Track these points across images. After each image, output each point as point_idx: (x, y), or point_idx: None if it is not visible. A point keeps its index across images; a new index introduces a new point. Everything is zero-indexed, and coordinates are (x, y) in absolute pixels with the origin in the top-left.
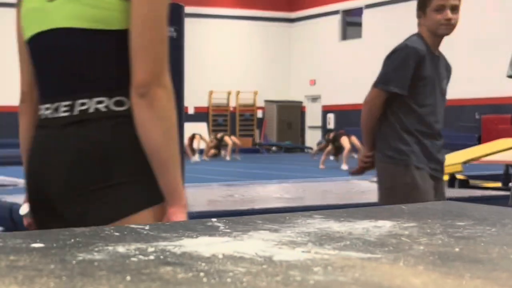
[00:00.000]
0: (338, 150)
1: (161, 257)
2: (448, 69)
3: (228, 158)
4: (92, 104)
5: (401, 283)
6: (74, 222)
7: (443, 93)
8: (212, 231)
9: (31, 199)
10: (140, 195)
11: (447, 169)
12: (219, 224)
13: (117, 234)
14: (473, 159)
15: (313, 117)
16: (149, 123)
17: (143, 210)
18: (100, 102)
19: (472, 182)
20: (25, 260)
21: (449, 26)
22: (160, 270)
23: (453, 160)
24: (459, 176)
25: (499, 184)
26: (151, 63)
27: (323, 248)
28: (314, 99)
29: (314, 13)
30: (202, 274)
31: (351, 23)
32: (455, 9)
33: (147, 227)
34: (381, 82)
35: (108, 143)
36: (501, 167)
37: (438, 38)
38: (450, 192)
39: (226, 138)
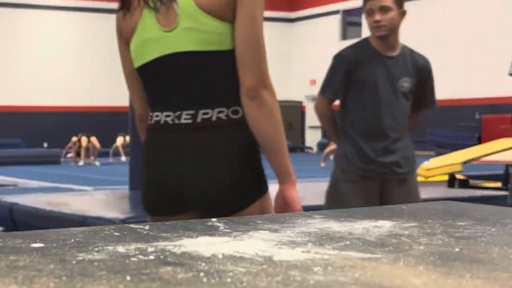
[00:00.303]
0: None
1: (161, 257)
2: (416, 65)
3: None
4: (214, 114)
5: (401, 283)
6: (204, 216)
7: (401, 91)
8: (212, 231)
9: (158, 196)
10: (254, 187)
11: (447, 169)
12: (219, 224)
13: (117, 234)
14: (473, 159)
15: (313, 117)
16: (260, 119)
17: (257, 200)
18: (220, 112)
19: (472, 182)
20: (25, 260)
21: (380, 28)
22: (160, 270)
23: (453, 160)
24: (459, 176)
25: (499, 184)
26: (256, 71)
27: (323, 248)
28: (314, 99)
29: (314, 13)
30: (202, 274)
31: (351, 23)
32: (384, 10)
33: (147, 227)
34: (320, 88)
35: (228, 146)
36: (501, 167)
37: (382, 39)
38: (450, 192)
39: None
